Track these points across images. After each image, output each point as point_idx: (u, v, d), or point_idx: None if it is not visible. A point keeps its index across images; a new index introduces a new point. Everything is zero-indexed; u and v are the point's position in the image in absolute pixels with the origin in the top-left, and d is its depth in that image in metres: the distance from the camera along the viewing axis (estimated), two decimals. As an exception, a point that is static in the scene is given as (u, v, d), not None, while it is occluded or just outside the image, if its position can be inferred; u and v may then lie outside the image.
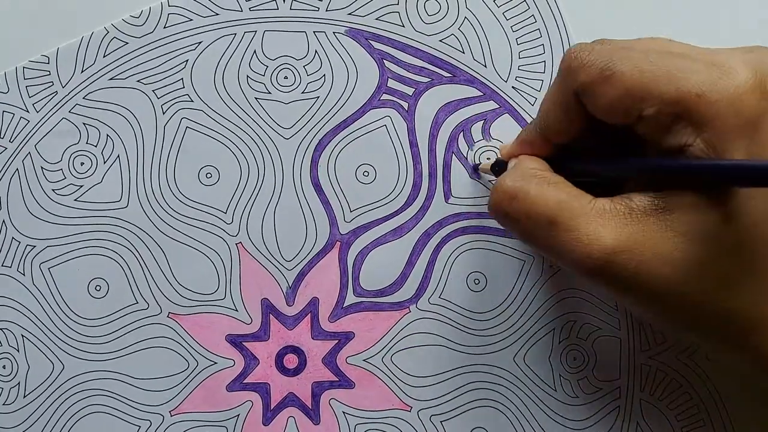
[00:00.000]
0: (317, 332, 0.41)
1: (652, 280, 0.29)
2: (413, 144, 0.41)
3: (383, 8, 0.41)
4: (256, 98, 0.41)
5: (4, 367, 0.41)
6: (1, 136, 0.41)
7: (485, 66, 0.41)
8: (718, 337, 0.30)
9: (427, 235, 0.41)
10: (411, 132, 0.41)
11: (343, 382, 0.41)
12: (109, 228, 0.41)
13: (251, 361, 0.41)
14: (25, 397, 0.41)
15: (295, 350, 0.41)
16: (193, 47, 0.41)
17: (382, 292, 0.41)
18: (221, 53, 0.41)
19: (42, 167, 0.41)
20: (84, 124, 0.41)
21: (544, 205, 0.31)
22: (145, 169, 0.41)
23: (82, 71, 0.41)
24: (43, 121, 0.41)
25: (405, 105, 0.41)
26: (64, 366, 0.41)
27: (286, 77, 0.41)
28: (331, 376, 0.41)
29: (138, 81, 0.41)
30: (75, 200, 0.41)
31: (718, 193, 0.29)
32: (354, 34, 0.41)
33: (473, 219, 0.41)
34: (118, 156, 0.41)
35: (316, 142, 0.41)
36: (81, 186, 0.41)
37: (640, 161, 0.31)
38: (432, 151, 0.41)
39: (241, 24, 0.41)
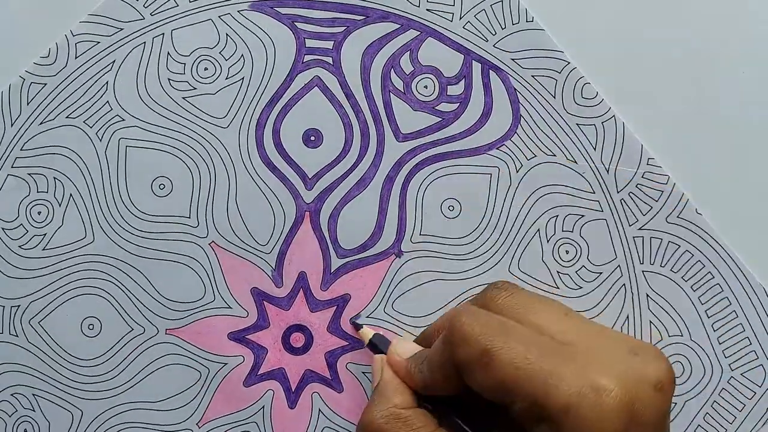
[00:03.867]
0: (314, 305, 0.41)
1: None
2: (349, 95, 0.41)
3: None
4: (183, 98, 0.41)
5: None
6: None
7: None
8: None
9: (389, 179, 0.41)
10: (343, 85, 0.41)
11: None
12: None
13: (260, 351, 0.41)
14: (44, 249, 0.41)
15: (299, 328, 0.41)
16: (108, 68, 0.41)
17: (364, 247, 0.41)
18: (137, 65, 0.41)
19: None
20: (30, 174, 0.41)
21: None
22: (101, 200, 0.41)
23: (12, 124, 0.41)
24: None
25: (329, 59, 0.41)
26: (82, 412, 0.41)
27: (206, 68, 0.41)
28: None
29: (67, 117, 0.41)
30: (43, 249, 0.41)
31: None
32: (258, 6, 0.41)
33: (429, 149, 0.41)
34: (71, 195, 0.41)
35: (255, 122, 0.41)
36: (45, 234, 0.41)
37: None
38: (369, 96, 0.41)
39: (146, 31, 0.41)
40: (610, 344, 0.32)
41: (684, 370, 0.40)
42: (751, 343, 0.40)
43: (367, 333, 0.39)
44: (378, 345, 0.38)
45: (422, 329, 0.40)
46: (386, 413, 0.34)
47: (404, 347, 0.37)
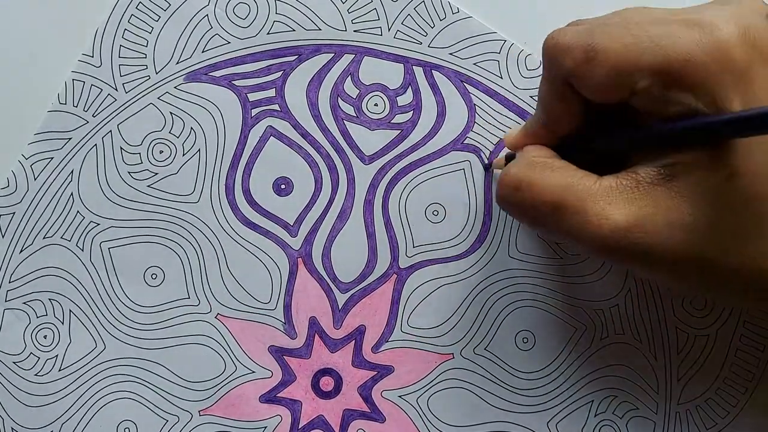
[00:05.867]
0: (332, 345, 0.41)
1: (668, 249, 0.29)
2: (305, 135, 0.41)
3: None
4: (148, 186, 0.41)
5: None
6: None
7: None
8: (742, 293, 0.31)
9: (368, 203, 0.41)
10: (297, 126, 0.41)
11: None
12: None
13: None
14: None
15: (326, 372, 0.41)
16: (68, 179, 0.41)
17: (363, 276, 0.41)
18: (95, 169, 0.41)
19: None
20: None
21: (550, 192, 0.31)
22: (100, 306, 0.41)
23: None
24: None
25: (276, 107, 0.41)
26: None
27: (161, 151, 0.41)
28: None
29: (44, 237, 0.41)
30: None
31: (720, 152, 0.28)
32: (192, 77, 0.41)
33: (397, 163, 0.41)
34: (71, 311, 0.41)
35: (223, 188, 0.41)
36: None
37: (643, 130, 0.30)
38: (324, 129, 0.41)
39: (94, 133, 0.41)
40: (702, 6, 0.30)
41: (707, 301, 0.40)
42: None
43: (500, 159, 0.39)
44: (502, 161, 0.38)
45: (443, 337, 0.41)
46: (523, 163, 0.32)
47: (514, 130, 0.36)
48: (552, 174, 0.31)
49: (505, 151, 0.40)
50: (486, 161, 0.40)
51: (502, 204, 0.33)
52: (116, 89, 0.41)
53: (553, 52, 0.31)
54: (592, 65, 0.29)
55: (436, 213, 0.41)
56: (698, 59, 0.28)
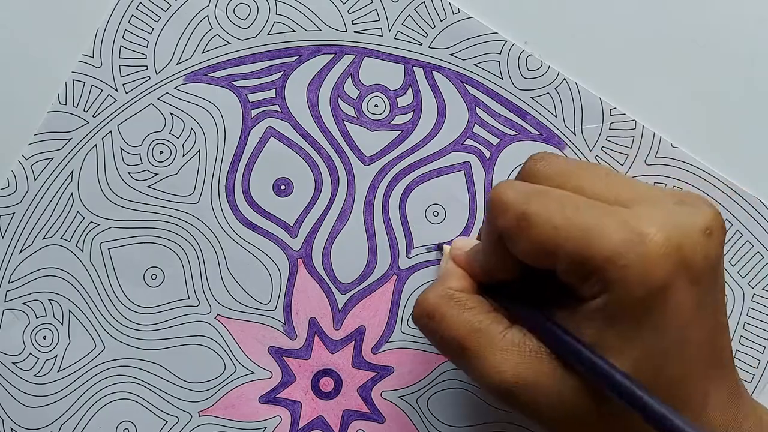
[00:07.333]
0: (332, 346, 0.41)
1: (548, 412, 0.30)
2: (305, 136, 0.41)
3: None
4: (148, 186, 0.41)
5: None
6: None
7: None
8: None
9: (369, 204, 0.41)
10: (297, 127, 0.41)
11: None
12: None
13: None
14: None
15: (325, 373, 0.41)
16: (68, 180, 0.41)
17: (363, 277, 0.41)
18: (95, 169, 0.41)
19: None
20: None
21: (456, 331, 0.32)
22: (99, 307, 0.41)
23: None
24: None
25: (276, 107, 0.41)
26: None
27: (161, 152, 0.41)
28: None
29: (44, 238, 0.41)
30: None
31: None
32: (192, 77, 0.41)
33: (398, 164, 0.41)
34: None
35: (223, 188, 0.41)
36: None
37: (538, 319, 0.31)
38: (325, 130, 0.41)
39: (94, 134, 0.41)
40: (656, 197, 0.30)
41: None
42: (763, 257, 0.40)
43: (446, 248, 0.39)
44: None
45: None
46: (440, 293, 0.33)
47: (466, 242, 0.36)
48: (463, 313, 0.32)
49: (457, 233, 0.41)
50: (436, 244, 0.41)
51: (416, 323, 0.34)
52: (116, 90, 0.41)
53: (491, 207, 0.31)
54: (521, 234, 0.29)
55: (436, 214, 0.41)
56: (618, 262, 0.28)
